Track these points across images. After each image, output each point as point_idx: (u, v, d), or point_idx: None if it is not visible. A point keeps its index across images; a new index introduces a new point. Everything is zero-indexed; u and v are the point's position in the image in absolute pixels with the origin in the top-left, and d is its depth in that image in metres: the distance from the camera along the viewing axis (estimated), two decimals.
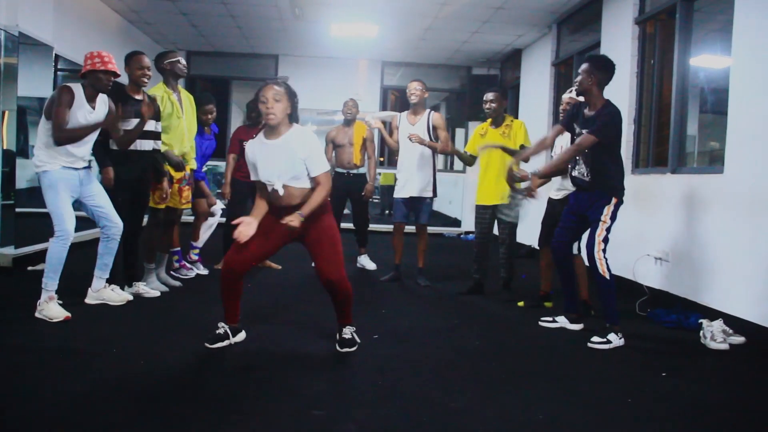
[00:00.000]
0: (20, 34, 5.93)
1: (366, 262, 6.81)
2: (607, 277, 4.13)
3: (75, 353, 3.48)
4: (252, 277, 5.83)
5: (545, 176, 4.70)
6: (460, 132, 11.88)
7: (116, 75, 4.32)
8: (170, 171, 5.06)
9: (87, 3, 7.83)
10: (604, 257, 4.14)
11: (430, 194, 6.02)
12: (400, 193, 6.03)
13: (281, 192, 3.52)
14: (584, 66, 4.21)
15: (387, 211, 11.61)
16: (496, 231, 5.69)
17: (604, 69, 4.21)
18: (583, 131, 4.15)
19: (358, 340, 3.79)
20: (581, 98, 4.57)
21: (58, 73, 7.11)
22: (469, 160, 5.81)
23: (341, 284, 3.63)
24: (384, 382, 3.24)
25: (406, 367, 3.54)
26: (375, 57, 11.01)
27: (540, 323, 4.60)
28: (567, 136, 4.79)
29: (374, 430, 2.64)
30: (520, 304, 5.29)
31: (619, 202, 4.21)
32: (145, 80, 4.73)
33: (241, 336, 3.80)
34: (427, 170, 5.98)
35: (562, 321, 4.56)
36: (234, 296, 3.71)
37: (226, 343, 3.67)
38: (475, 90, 10.87)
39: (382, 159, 11.37)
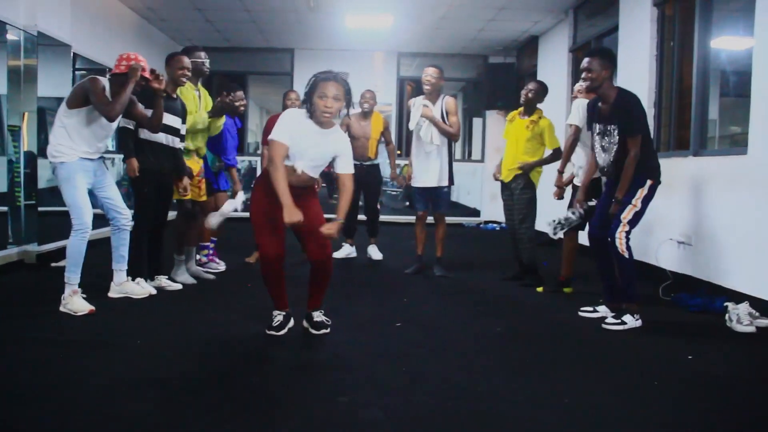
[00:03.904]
0: (39, 34, 5.97)
1: (373, 252, 6.77)
2: (626, 255, 4.10)
3: (100, 345, 3.52)
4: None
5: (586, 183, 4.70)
6: (477, 122, 11.83)
7: (147, 80, 4.36)
8: (190, 164, 5.10)
9: (103, 1, 7.87)
10: (626, 237, 4.10)
11: (446, 183, 5.94)
12: (416, 182, 6.00)
13: (299, 172, 3.56)
14: (595, 61, 4.16)
15: (407, 203, 11.58)
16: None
17: (614, 60, 4.24)
18: (611, 128, 4.14)
19: (329, 322, 3.86)
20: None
21: (76, 72, 7.16)
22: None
23: (329, 263, 3.80)
24: (409, 369, 3.23)
25: (431, 353, 3.54)
26: (391, 48, 10.99)
27: (580, 313, 4.50)
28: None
29: (402, 416, 2.64)
30: (539, 289, 5.28)
31: (656, 183, 4.17)
32: (184, 80, 4.89)
33: (291, 322, 3.88)
34: (441, 159, 5.90)
35: (602, 311, 4.43)
36: (279, 283, 3.79)
37: (286, 329, 3.79)
38: (492, 79, 10.81)
39: (399, 152, 11.33)
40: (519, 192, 5.49)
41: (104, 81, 4.26)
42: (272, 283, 3.78)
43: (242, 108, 5.93)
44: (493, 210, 11.16)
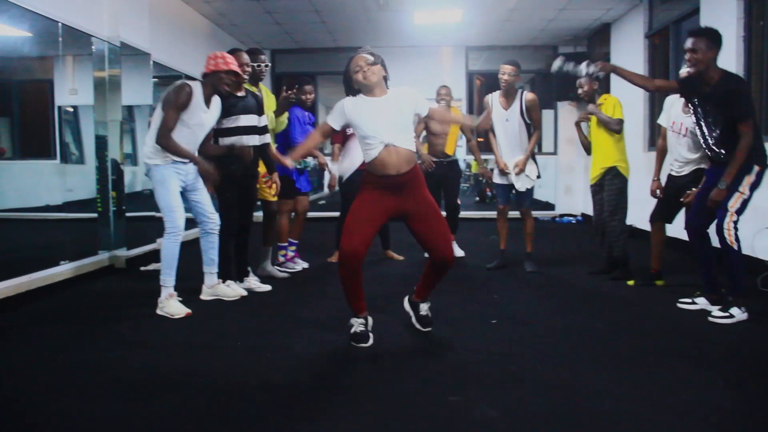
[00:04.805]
0: (122, 45, 6.13)
1: (455, 248, 6.71)
2: (735, 247, 3.93)
3: (202, 348, 3.56)
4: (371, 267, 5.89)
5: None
6: (548, 114, 11.58)
7: (237, 75, 4.38)
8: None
9: (178, 9, 8.04)
10: (734, 228, 3.94)
11: (531, 183, 5.85)
12: (498, 178, 5.91)
13: (390, 145, 3.47)
14: (701, 41, 3.96)
15: (477, 198, 11.48)
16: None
17: (719, 40, 4.00)
18: (708, 108, 3.98)
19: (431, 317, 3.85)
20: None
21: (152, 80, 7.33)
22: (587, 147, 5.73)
23: (452, 260, 3.62)
24: (512, 367, 3.18)
25: (531, 350, 3.47)
26: (459, 42, 10.87)
27: (678, 305, 4.37)
28: (677, 112, 4.61)
29: (516, 415, 2.59)
30: (630, 283, 5.13)
31: (763, 170, 3.97)
32: (245, 76, 4.82)
33: (370, 322, 3.69)
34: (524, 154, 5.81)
35: (702, 303, 4.30)
36: (357, 284, 3.56)
37: (370, 341, 3.56)
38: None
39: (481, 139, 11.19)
40: (609, 183, 5.35)
41: (195, 88, 4.25)
42: (348, 286, 3.56)
43: (309, 101, 5.93)
44: (568, 203, 10.96)
